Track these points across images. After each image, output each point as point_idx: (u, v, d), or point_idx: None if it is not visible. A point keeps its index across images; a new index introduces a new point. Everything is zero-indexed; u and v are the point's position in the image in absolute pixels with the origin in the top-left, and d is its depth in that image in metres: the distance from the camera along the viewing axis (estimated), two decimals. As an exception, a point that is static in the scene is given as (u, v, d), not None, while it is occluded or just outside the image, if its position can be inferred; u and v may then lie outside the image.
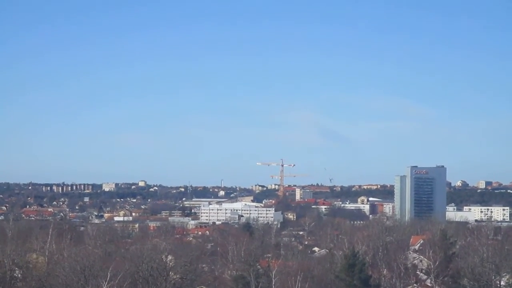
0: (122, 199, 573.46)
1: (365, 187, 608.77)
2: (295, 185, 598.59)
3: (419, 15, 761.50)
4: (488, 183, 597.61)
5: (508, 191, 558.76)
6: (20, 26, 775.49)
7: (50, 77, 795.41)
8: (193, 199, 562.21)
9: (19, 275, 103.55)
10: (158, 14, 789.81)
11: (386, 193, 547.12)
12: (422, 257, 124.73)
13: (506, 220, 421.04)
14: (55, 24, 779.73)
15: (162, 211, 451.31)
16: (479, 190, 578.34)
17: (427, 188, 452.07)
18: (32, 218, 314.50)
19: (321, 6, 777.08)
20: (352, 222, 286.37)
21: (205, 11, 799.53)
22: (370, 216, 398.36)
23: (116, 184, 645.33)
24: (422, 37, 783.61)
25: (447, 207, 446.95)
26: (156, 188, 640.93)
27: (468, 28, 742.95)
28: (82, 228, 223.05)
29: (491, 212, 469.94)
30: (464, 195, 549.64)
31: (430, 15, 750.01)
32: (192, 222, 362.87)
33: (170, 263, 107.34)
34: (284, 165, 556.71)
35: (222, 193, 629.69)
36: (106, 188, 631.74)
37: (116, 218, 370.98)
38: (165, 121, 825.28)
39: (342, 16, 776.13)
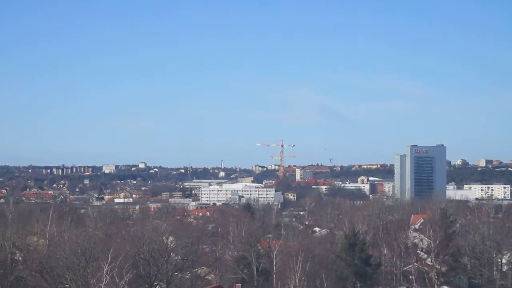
0: (122, 181, 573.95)
1: (365, 166, 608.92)
2: (295, 166, 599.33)
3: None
4: (488, 162, 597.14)
5: (509, 169, 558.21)
6: (18, 9, 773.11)
7: (50, 60, 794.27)
8: (193, 180, 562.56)
9: (20, 258, 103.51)
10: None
11: (386, 172, 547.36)
12: (422, 236, 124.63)
13: (507, 198, 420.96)
14: (55, 6, 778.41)
15: (163, 193, 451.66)
16: (479, 169, 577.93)
17: (427, 167, 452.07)
18: (33, 201, 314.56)
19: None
20: (352, 202, 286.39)
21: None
22: (370, 195, 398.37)
23: (116, 166, 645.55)
24: (420, 17, 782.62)
25: (447, 186, 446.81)
26: (156, 170, 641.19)
27: (465, 7, 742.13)
28: (82, 211, 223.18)
29: (492, 190, 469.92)
30: (464, 174, 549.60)
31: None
32: (193, 203, 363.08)
33: (171, 245, 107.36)
34: (284, 146, 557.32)
35: (222, 174, 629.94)
36: (106, 170, 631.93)
37: (116, 200, 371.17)
38: (165, 103, 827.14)
39: (340, 3, 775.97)
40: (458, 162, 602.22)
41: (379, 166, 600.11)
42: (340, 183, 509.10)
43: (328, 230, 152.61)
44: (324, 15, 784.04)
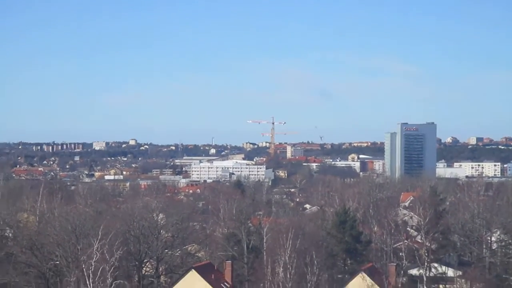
0: (112, 158, 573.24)
1: (355, 144, 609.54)
2: (286, 143, 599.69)
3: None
4: (479, 139, 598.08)
5: (499, 147, 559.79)
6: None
7: (38, 30, 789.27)
8: (184, 158, 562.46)
9: (10, 235, 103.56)
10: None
11: (376, 150, 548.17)
12: (412, 213, 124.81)
13: (497, 176, 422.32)
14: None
15: (153, 170, 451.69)
16: (470, 146, 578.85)
17: (417, 145, 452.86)
18: (23, 178, 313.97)
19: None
20: (342, 179, 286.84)
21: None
22: (361, 173, 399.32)
23: (107, 143, 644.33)
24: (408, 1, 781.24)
25: (437, 164, 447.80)
26: (147, 147, 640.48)
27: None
28: (72, 187, 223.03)
29: (482, 168, 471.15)
30: (454, 152, 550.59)
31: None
32: (183, 180, 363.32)
33: (161, 222, 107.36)
34: (274, 123, 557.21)
35: (213, 151, 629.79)
36: (96, 147, 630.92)
37: (106, 177, 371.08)
38: (156, 80, 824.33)
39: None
40: (449, 140, 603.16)
41: (369, 144, 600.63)
42: (331, 160, 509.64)
43: (319, 207, 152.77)
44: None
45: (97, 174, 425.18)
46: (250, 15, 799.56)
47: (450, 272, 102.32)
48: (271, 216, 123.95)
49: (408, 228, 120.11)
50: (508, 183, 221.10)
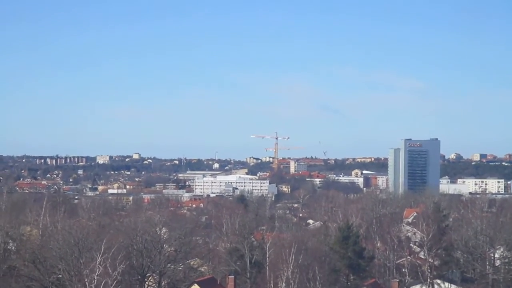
0: (116, 172, 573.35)
1: (359, 160, 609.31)
2: (289, 158, 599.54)
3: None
4: (482, 156, 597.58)
5: (503, 163, 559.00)
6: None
7: (41, 47, 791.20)
8: (187, 172, 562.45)
9: (13, 248, 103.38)
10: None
11: (380, 166, 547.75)
12: (415, 229, 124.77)
13: (500, 192, 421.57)
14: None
15: (156, 184, 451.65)
16: (473, 163, 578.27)
17: (421, 161, 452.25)
18: (26, 191, 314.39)
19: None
20: (346, 194, 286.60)
21: None
22: (364, 189, 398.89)
23: (110, 157, 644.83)
24: (415, 14, 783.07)
25: (441, 180, 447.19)
26: (150, 161, 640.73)
27: (462, 7, 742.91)
28: (76, 201, 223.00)
29: (486, 184, 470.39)
30: (458, 168, 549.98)
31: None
32: (186, 194, 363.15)
33: (164, 236, 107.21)
34: (278, 138, 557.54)
35: (216, 165, 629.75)
36: (100, 160, 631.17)
37: (110, 191, 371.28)
38: (159, 94, 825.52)
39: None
40: (452, 156, 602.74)
41: (373, 159, 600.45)
42: (334, 176, 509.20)
43: (322, 223, 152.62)
44: (318, 10, 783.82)
45: (100, 187, 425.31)
46: (254, 30, 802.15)
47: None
48: (274, 231, 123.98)
49: (411, 244, 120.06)
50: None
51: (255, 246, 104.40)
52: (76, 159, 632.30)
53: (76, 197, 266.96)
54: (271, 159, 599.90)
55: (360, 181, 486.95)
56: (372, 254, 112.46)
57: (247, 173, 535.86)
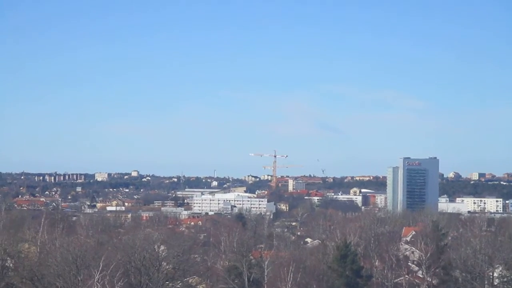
0: (114, 189, 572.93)
1: (357, 178, 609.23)
2: (287, 176, 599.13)
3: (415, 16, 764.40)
4: (481, 175, 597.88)
5: (502, 182, 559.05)
6: None
7: (41, 62, 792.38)
8: (186, 189, 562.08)
9: (11, 265, 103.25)
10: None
11: (378, 184, 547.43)
12: (414, 248, 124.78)
13: (499, 211, 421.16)
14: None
15: (155, 201, 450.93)
16: (472, 182, 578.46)
17: (420, 179, 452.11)
18: (24, 208, 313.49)
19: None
20: (344, 213, 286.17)
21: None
22: (363, 207, 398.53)
23: (109, 174, 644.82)
24: (415, 34, 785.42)
25: (439, 199, 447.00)
26: (149, 178, 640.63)
27: (462, 24, 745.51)
28: (74, 218, 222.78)
29: (484, 203, 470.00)
30: (457, 187, 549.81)
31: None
32: (185, 212, 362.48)
33: (163, 253, 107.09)
34: (277, 156, 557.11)
35: (215, 183, 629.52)
36: (98, 178, 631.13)
37: (108, 208, 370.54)
38: (158, 112, 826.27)
39: (338, 16, 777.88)
40: (451, 175, 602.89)
41: (371, 178, 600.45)
42: (333, 194, 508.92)
43: (320, 241, 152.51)
44: (318, 28, 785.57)
45: (99, 205, 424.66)
46: (253, 47, 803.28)
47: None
48: (272, 249, 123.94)
49: (409, 263, 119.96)
50: (510, 219, 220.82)
51: (253, 264, 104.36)
52: (74, 176, 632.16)
53: (75, 214, 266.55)
54: (269, 177, 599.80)
55: (358, 199, 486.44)
56: (370, 272, 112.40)
57: (245, 191, 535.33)
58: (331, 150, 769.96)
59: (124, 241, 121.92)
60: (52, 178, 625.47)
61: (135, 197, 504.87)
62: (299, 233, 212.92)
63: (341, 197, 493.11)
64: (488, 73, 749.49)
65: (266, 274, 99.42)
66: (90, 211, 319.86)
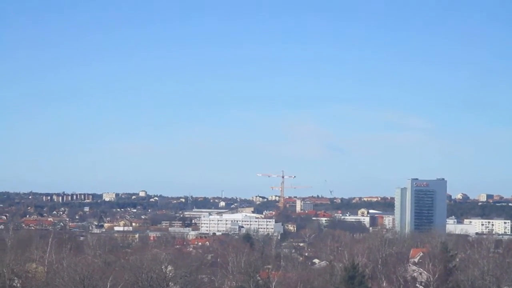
0: (122, 209, 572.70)
1: (365, 199, 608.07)
2: (295, 197, 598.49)
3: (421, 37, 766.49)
4: (489, 196, 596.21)
5: (510, 204, 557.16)
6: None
7: (59, 86, 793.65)
8: (194, 210, 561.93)
9: (19, 285, 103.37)
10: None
11: (386, 205, 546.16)
12: (421, 269, 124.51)
13: (507, 233, 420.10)
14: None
15: (162, 222, 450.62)
16: (480, 203, 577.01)
17: (428, 200, 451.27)
18: (32, 228, 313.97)
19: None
20: (352, 234, 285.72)
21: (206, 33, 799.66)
22: (370, 228, 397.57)
23: (117, 194, 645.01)
24: (422, 53, 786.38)
25: (447, 220, 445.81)
26: (157, 198, 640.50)
27: (470, 44, 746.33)
28: (82, 238, 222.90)
29: (492, 225, 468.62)
30: (465, 208, 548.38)
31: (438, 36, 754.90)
32: (192, 232, 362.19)
33: (170, 274, 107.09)
34: (284, 177, 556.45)
35: (222, 204, 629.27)
36: (106, 198, 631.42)
37: (116, 228, 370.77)
38: (166, 132, 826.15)
39: (345, 36, 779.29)
40: (459, 196, 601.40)
41: (379, 198, 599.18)
42: (340, 215, 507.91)
43: (328, 262, 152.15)
44: (324, 49, 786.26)
45: (106, 225, 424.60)
46: (259, 66, 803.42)
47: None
48: (279, 270, 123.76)
49: (417, 284, 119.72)
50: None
51: (260, 285, 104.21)
52: (82, 196, 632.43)
53: (82, 234, 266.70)
54: (277, 198, 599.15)
55: (366, 220, 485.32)
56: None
57: (253, 212, 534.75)
58: (339, 171, 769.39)
59: (131, 261, 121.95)
60: (60, 198, 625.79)
61: (143, 217, 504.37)
62: (306, 254, 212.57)
63: (349, 218, 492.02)
64: (496, 94, 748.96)
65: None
66: (98, 231, 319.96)
